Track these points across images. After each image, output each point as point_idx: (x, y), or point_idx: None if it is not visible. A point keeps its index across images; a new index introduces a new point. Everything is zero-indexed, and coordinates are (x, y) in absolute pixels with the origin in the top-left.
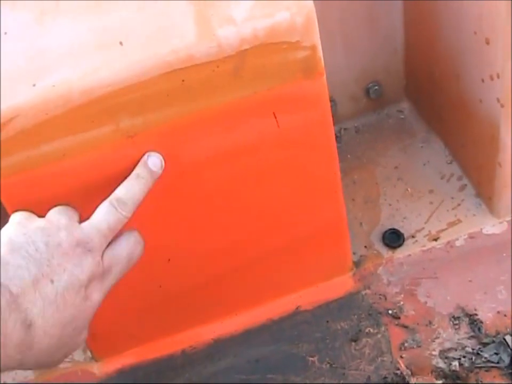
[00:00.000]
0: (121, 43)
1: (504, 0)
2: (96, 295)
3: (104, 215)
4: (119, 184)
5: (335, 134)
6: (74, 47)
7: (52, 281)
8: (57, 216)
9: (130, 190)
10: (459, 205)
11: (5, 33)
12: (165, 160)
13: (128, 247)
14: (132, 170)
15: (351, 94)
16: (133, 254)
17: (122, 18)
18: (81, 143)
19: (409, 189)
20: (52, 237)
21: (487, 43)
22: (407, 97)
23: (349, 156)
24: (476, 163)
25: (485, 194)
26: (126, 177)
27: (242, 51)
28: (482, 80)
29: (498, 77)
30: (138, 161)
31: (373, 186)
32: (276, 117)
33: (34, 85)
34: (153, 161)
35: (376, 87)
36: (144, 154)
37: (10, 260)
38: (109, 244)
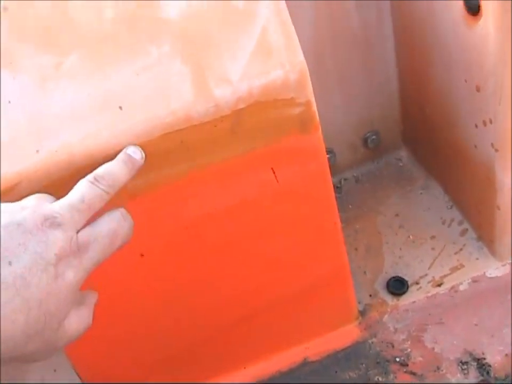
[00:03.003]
0: (120, 108)
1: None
2: (71, 273)
3: (78, 190)
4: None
5: (336, 185)
6: (75, 111)
7: (10, 263)
8: (28, 199)
9: (109, 169)
10: (461, 249)
11: (9, 101)
12: (168, 218)
13: (111, 222)
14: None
15: (349, 145)
16: (117, 232)
17: (121, 82)
18: None
19: (411, 236)
20: (12, 218)
21: (478, 90)
22: (405, 145)
23: (350, 205)
24: (476, 207)
25: (486, 238)
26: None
27: (238, 110)
28: (476, 126)
29: (491, 122)
30: (142, 222)
31: (375, 235)
32: (274, 172)
33: (37, 151)
34: (133, 149)
35: (374, 137)
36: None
37: None
38: (90, 222)
